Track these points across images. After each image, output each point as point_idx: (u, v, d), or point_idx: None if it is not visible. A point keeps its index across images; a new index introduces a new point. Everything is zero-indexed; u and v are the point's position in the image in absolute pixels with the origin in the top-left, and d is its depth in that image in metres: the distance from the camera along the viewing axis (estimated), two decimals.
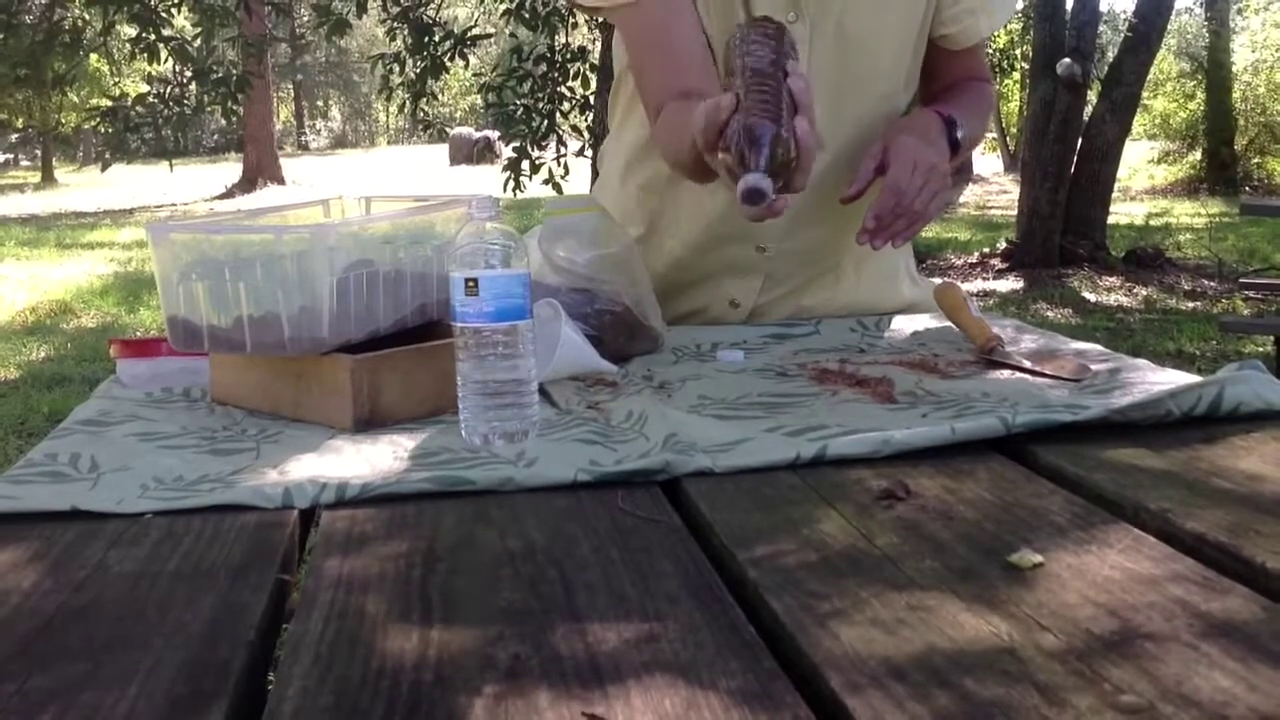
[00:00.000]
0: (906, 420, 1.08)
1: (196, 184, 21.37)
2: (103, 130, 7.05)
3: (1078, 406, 1.07)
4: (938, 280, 1.63)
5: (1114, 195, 9.35)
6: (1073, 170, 8.57)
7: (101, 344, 6.46)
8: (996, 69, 17.47)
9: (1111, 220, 9.64)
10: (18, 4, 7.12)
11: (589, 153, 6.89)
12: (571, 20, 7.31)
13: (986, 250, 9.44)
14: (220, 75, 6.93)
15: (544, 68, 7.29)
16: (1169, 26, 10.99)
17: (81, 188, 23.10)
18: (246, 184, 20.75)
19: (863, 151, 1.45)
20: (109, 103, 7.18)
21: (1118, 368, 1.25)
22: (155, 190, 20.23)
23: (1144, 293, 7.90)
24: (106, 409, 1.23)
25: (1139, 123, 14.80)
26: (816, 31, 1.45)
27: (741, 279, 1.61)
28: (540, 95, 7.32)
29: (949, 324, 1.47)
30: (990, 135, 20.52)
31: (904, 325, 1.56)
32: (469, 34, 7.01)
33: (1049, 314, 7.11)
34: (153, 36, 6.59)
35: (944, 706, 0.57)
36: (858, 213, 1.63)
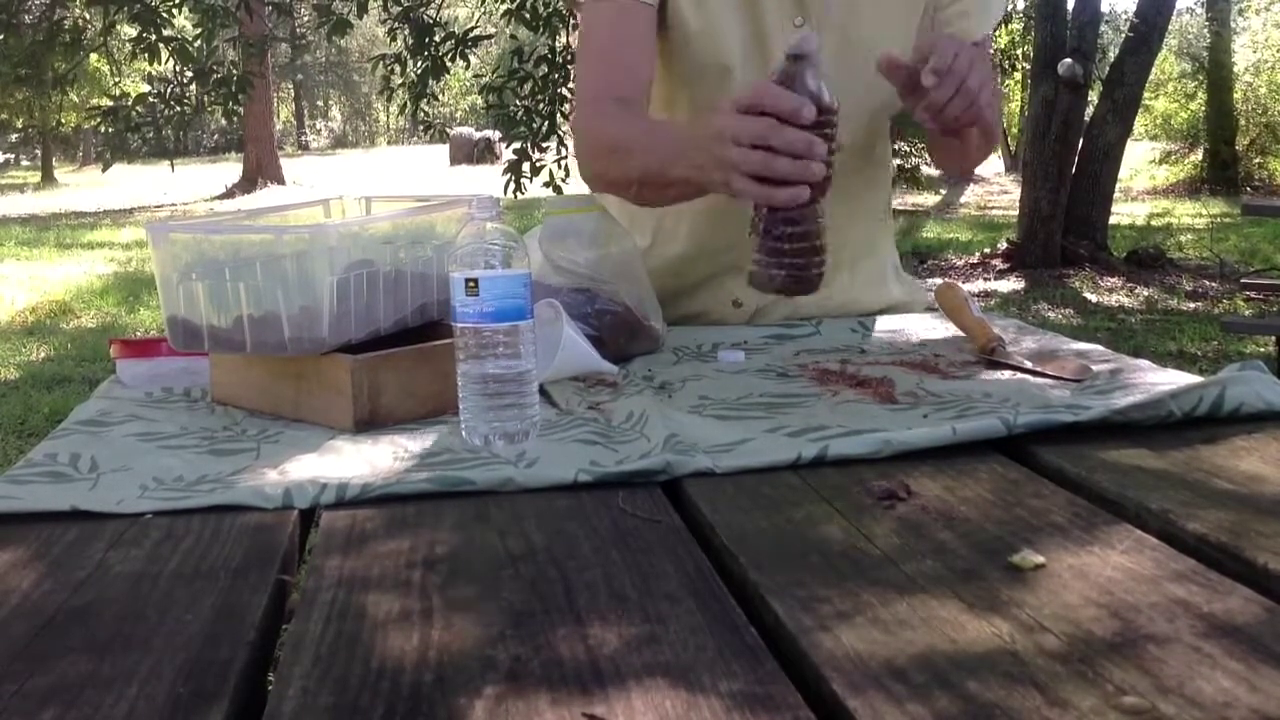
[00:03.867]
0: (907, 421, 1.08)
1: (197, 184, 21.37)
2: (103, 130, 7.05)
3: (1079, 407, 1.07)
4: (938, 281, 1.63)
5: (1115, 195, 9.34)
6: (1074, 170, 8.57)
7: (101, 344, 6.46)
8: (998, 69, 17.45)
9: (1113, 221, 9.64)
10: (18, 4, 7.12)
11: None
12: (572, 21, 7.31)
13: (987, 250, 9.43)
14: (221, 75, 6.93)
15: (545, 69, 7.28)
16: (1170, 27, 11.00)
17: (81, 188, 23.10)
18: (247, 184, 20.75)
19: (864, 155, 1.44)
20: (109, 102, 7.17)
21: (1119, 368, 1.25)
22: (155, 190, 20.23)
23: (1145, 293, 7.90)
24: (106, 409, 1.23)
25: (1140, 123, 14.81)
26: (822, 38, 1.45)
27: (745, 279, 1.61)
28: (541, 97, 7.31)
29: (950, 324, 1.47)
30: None
31: (905, 325, 1.56)
32: (470, 34, 7.00)
33: (1050, 314, 7.10)
34: (153, 36, 6.58)
35: (945, 708, 0.57)
36: (857, 214, 1.63)
